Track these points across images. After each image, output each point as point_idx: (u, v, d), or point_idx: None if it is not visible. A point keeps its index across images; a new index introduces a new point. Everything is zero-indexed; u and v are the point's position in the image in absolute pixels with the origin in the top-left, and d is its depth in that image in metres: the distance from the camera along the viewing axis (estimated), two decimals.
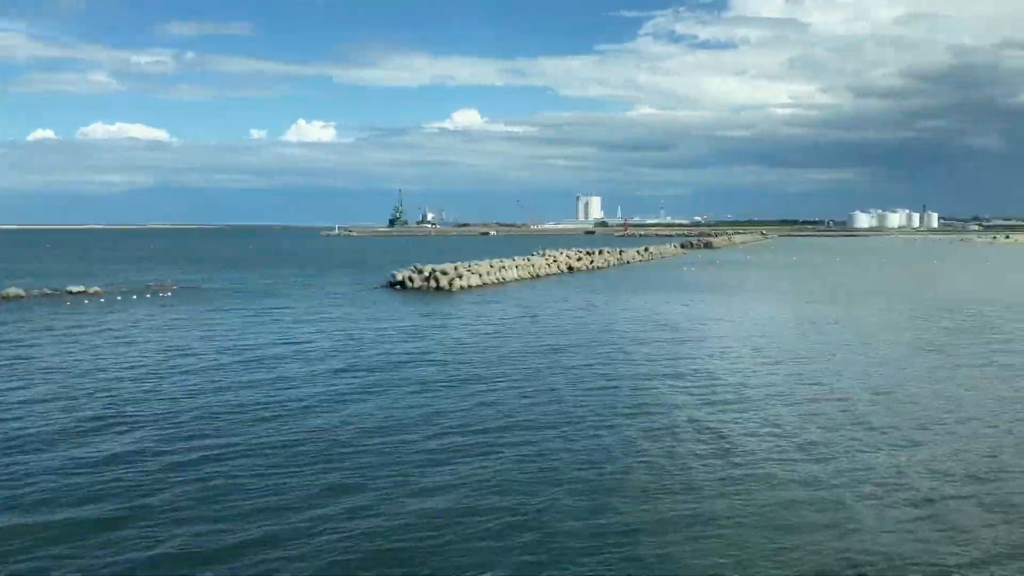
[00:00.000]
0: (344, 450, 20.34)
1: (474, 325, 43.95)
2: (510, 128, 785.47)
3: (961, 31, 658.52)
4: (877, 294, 66.90)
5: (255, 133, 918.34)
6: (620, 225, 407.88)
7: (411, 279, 64.72)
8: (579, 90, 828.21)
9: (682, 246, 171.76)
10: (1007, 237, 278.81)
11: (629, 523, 16.09)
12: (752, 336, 41.17)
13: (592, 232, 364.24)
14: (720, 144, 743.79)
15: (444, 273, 64.56)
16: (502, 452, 20.41)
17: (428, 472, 18.70)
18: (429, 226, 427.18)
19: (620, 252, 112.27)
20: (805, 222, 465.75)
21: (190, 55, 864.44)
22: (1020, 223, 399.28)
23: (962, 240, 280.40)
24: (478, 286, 66.83)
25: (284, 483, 17.91)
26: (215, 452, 20.15)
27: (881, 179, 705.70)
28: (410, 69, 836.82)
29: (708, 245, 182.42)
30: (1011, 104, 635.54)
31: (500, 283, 71.58)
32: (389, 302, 55.96)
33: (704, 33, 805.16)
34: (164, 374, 29.82)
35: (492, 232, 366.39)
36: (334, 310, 50.91)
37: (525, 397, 26.45)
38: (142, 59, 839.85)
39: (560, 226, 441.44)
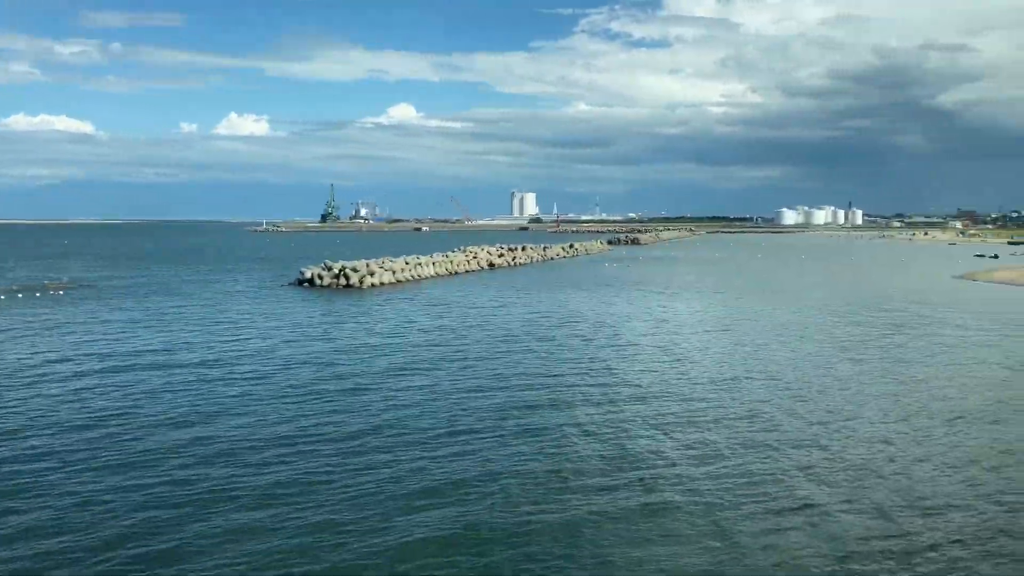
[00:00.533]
0: (183, 475, 18.62)
1: (374, 325, 42.47)
2: (446, 123, 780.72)
3: (885, 33, 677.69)
4: (788, 291, 67.46)
5: (185, 126, 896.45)
6: (553, 221, 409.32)
7: (320, 276, 62.73)
8: (515, 86, 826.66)
9: (609, 242, 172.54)
10: (925, 234, 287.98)
11: (485, 535, 15.16)
12: (658, 333, 40.65)
13: (526, 228, 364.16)
14: (655, 142, 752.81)
15: (355, 270, 62.74)
16: (365, 467, 19.11)
17: (273, 500, 16.96)
18: (362, 221, 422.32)
19: (544, 248, 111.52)
20: (736, 219, 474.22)
21: (117, 46, 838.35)
22: (940, 220, 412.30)
23: (883, 236, 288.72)
24: (391, 284, 65.19)
25: (103, 518, 16.12)
26: (33, 476, 18.38)
27: (809, 177, 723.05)
28: (345, 63, 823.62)
29: (635, 241, 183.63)
30: (933, 104, 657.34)
31: (415, 280, 70.07)
32: (292, 301, 53.99)
33: (639, 31, 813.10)
34: (20, 382, 27.70)
35: (425, 228, 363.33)
36: (231, 310, 48.77)
37: (404, 404, 25.17)
38: (66, 49, 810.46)
39: (495, 222, 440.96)
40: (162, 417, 23.08)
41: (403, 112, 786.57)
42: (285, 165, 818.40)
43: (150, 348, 34.52)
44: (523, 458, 19.80)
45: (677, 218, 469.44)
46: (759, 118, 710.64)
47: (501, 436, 21.63)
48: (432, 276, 73.65)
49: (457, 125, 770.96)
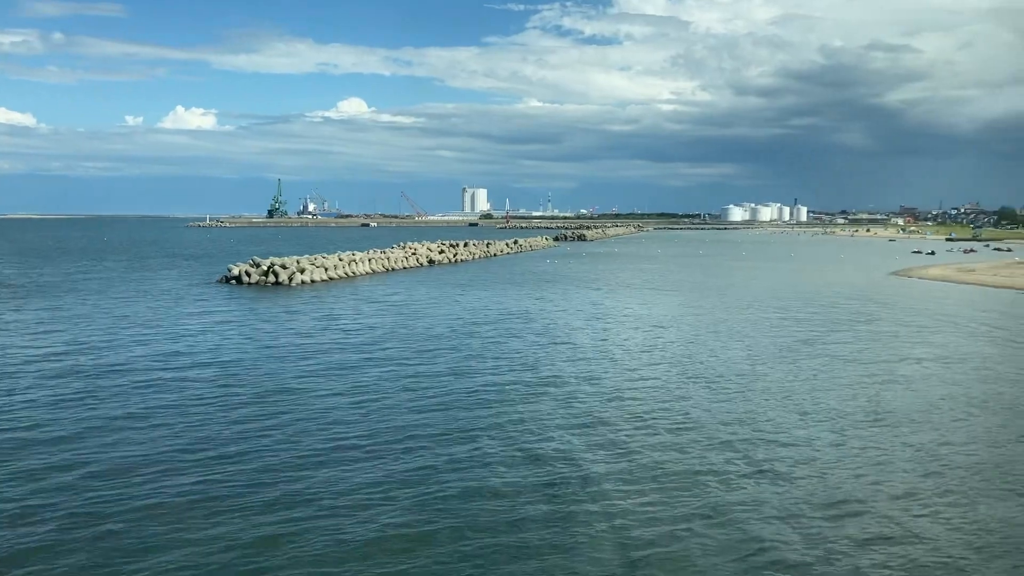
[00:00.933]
0: (63, 487, 17.31)
1: (297, 325, 40.91)
2: (397, 118, 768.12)
3: (831, 33, 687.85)
4: (723, 288, 67.48)
5: (130, 119, 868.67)
6: (503, 217, 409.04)
7: (247, 273, 60.76)
8: (466, 81, 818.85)
9: (556, 239, 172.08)
10: (868, 231, 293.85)
11: (365, 551, 14.23)
12: (586, 331, 40.05)
13: (476, 224, 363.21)
14: (606, 138, 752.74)
15: (284, 267, 60.91)
16: (254, 483, 17.97)
17: (159, 517, 15.73)
18: (309, 217, 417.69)
19: (487, 244, 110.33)
20: (685, 215, 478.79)
21: (58, 36, 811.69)
22: (883, 217, 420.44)
23: (824, 232, 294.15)
24: (323, 281, 63.50)
25: None
26: None
27: (757, 174, 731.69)
28: (293, 55, 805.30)
29: (581, 238, 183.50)
30: (877, 104, 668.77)
31: (350, 278, 68.42)
32: (215, 300, 51.97)
33: (590, 28, 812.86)
34: None
35: (373, 224, 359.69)
36: (148, 309, 46.66)
37: (309, 412, 23.99)
38: (5, 39, 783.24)
39: (446, 218, 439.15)
40: (47, 429, 21.50)
41: (353, 106, 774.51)
42: (232, 159, 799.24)
43: (50, 351, 32.51)
44: (426, 466, 18.84)
45: (627, 214, 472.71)
46: (709, 116, 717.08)
47: (408, 443, 20.62)
48: (367, 273, 72.03)
49: (408, 120, 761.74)
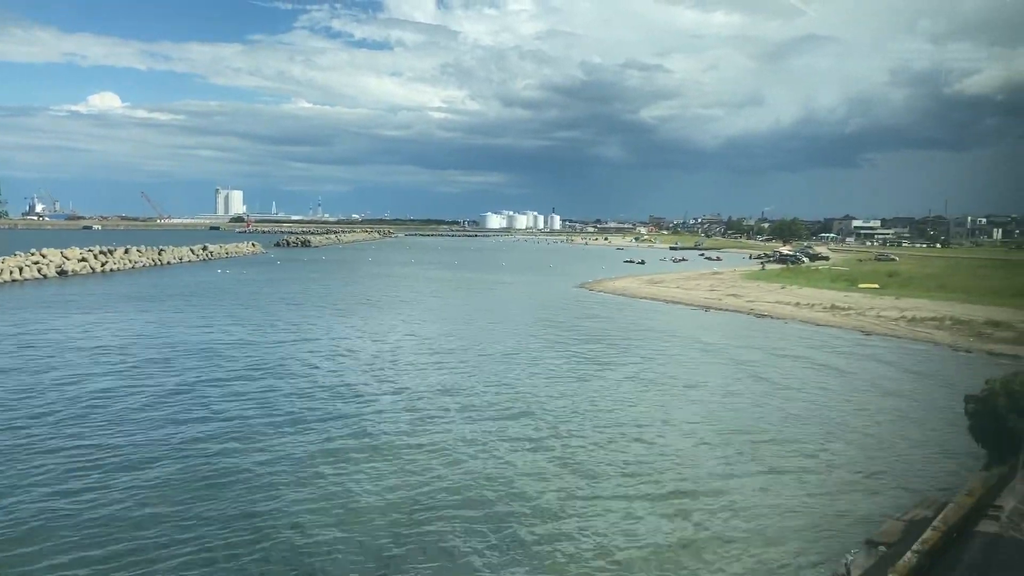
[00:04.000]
0: None
1: None
2: (154, 115, 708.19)
3: (592, 50, 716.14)
4: (390, 305, 62.92)
5: None
6: (244, 221, 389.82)
7: None
8: (230, 79, 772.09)
9: (277, 244, 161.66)
10: (606, 239, 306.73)
11: None
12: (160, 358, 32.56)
13: (216, 228, 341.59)
14: (378, 143, 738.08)
15: None
16: None
17: None
18: (35, 218, 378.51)
19: (159, 252, 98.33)
20: (452, 222, 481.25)
21: None
22: (630, 226, 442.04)
23: (564, 240, 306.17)
24: None
25: None
26: None
27: (522, 183, 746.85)
28: (35, 44, 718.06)
29: (305, 244, 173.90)
30: (632, 119, 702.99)
31: None
32: None
33: (360, 32, 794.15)
34: None
35: (96, 226, 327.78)
36: None
37: None
38: None
39: (192, 221, 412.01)
40: None
41: (105, 101, 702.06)
42: None
43: None
44: None
45: (394, 220, 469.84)
46: (478, 125, 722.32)
47: None
48: None
49: (166, 117, 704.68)
